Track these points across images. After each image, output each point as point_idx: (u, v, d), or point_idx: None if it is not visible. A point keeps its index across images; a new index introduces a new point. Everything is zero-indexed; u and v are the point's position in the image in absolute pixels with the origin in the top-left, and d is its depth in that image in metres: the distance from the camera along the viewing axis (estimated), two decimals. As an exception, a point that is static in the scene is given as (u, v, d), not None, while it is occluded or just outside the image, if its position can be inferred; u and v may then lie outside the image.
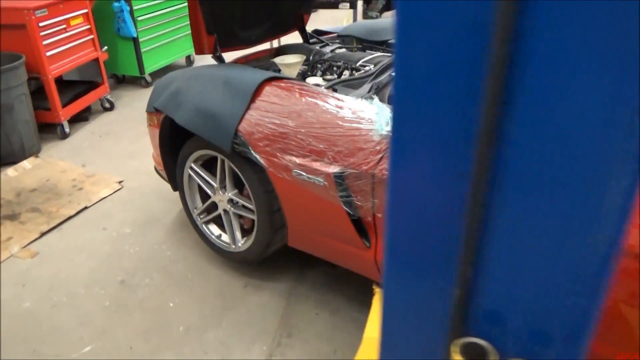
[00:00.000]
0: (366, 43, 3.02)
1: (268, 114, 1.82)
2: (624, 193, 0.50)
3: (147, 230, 2.68)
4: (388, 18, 3.34)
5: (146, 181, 3.14)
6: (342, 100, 1.75)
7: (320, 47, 2.79)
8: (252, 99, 1.87)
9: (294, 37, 3.04)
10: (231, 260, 2.36)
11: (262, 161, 1.84)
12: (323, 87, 2.00)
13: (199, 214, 2.38)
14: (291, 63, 2.23)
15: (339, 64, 2.46)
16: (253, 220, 2.07)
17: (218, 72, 2.05)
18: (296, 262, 2.35)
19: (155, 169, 2.67)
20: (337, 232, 1.81)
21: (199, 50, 2.50)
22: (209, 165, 2.27)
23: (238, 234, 2.21)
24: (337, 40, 3.12)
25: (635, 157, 0.48)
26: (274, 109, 1.82)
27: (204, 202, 2.36)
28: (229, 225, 2.24)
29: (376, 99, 1.71)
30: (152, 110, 2.26)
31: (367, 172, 1.60)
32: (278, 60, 2.32)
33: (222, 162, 2.11)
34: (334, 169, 1.68)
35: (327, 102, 1.75)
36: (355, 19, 4.86)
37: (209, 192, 2.27)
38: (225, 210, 2.22)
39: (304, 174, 1.74)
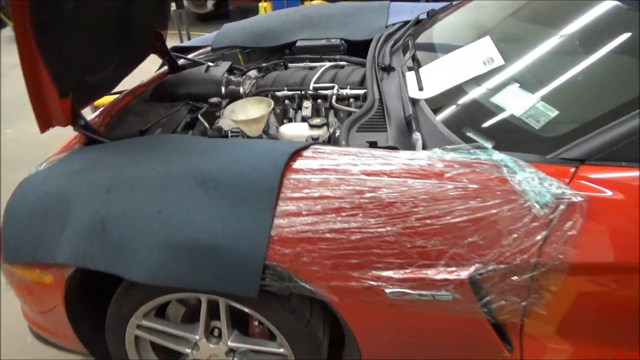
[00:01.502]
0: (260, 52, 2.31)
1: (317, 217, 1.08)
2: None
3: None
4: (266, 13, 2.63)
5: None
6: (435, 163, 1.12)
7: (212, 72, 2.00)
8: (277, 199, 1.09)
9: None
10: None
11: (326, 294, 1.11)
12: (340, 139, 1.32)
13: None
14: (257, 117, 1.43)
15: (288, 94, 1.74)
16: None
17: (170, 163, 1.17)
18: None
19: (39, 336, 1.57)
20: (459, 344, 1.23)
21: (46, 125, 1.50)
22: (162, 310, 1.38)
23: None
24: (212, 55, 2.32)
25: None
26: (325, 207, 1.08)
27: (168, 364, 1.46)
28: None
29: (490, 148, 1.13)
30: (30, 260, 1.23)
31: (525, 262, 1.05)
32: (230, 115, 1.49)
33: (211, 304, 1.27)
34: (466, 272, 1.07)
35: (415, 174, 1.10)
36: (184, 21, 3.91)
37: (178, 349, 1.39)
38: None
39: (410, 291, 1.09)
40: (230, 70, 2.14)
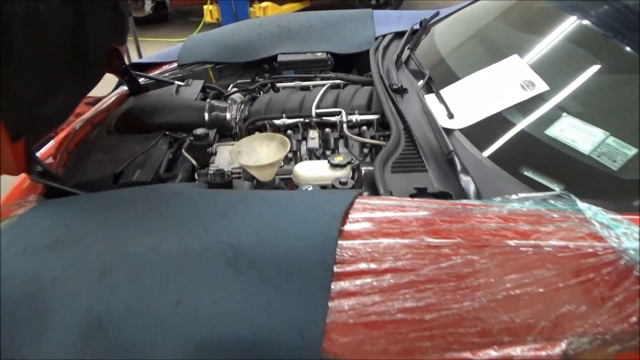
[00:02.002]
0: (234, 68, 2.05)
1: (383, 296, 0.87)
2: None
3: None
4: (235, 24, 2.35)
5: None
6: (513, 219, 0.93)
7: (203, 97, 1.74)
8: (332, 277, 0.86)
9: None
10: None
11: (395, 386, 0.90)
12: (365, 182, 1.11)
13: None
14: (271, 163, 1.17)
15: (289, 122, 1.51)
16: None
17: (184, 234, 0.91)
18: None
19: None
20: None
21: (-7, 173, 1.20)
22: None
23: None
24: (179, 73, 2.04)
25: None
26: (392, 282, 0.87)
27: None
28: None
29: (573, 197, 0.96)
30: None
31: (627, 330, 0.90)
32: (237, 158, 1.21)
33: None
34: (559, 347, 0.90)
35: (494, 234, 0.91)
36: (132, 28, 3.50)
37: None
38: None
39: (494, 374, 0.91)
40: (203, 90, 1.87)
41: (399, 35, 2.00)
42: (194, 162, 1.44)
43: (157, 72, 2.07)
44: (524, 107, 1.22)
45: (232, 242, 0.88)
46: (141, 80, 1.97)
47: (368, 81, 1.72)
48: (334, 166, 1.22)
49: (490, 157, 1.16)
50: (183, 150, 1.45)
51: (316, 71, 1.91)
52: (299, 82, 1.78)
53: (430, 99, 1.41)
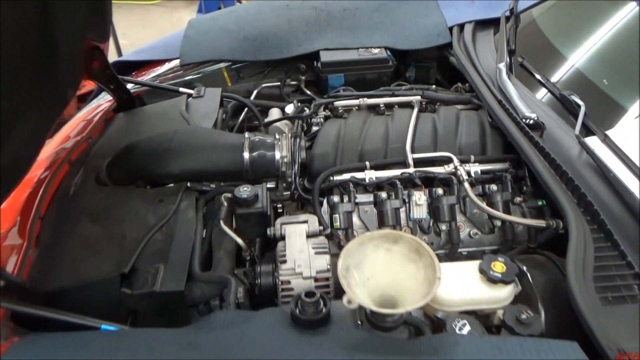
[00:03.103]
0: (257, 66, 1.54)
1: None
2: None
3: None
4: (256, 3, 1.76)
5: None
6: None
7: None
8: None
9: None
10: None
11: None
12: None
13: None
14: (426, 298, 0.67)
15: (379, 176, 1.03)
16: None
17: None
18: None
19: None
20: None
21: None
22: None
23: None
24: (183, 76, 1.51)
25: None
26: None
27: None
28: None
29: None
30: None
31: None
32: (347, 280, 0.69)
33: None
34: None
35: None
36: None
37: None
38: None
39: None
40: (221, 103, 1.34)
41: (480, 25, 1.51)
42: (240, 242, 0.94)
43: (153, 75, 1.51)
44: None
45: None
46: (131, 87, 1.42)
47: (465, 101, 1.24)
48: (493, 281, 0.76)
49: None
50: (222, 224, 0.94)
51: (379, 78, 1.41)
52: (364, 99, 1.26)
53: (596, 145, 0.94)
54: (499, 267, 0.76)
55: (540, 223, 0.91)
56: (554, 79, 1.16)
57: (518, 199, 0.99)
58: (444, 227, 0.99)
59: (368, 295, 0.72)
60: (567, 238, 0.80)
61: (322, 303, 0.72)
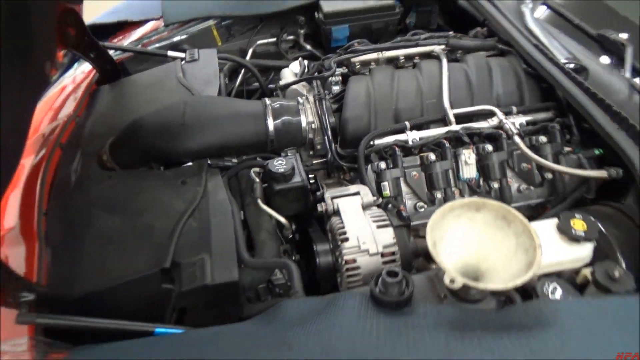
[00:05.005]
0: (248, 21, 1.40)
1: None
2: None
3: None
4: None
5: None
6: None
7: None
8: None
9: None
10: None
11: None
12: None
13: None
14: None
15: (424, 138, 0.95)
16: None
17: None
18: None
19: None
20: None
21: None
22: None
23: None
24: (169, 37, 1.36)
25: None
26: None
27: None
28: None
29: None
30: None
31: None
32: (438, 256, 0.62)
33: None
34: None
35: None
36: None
37: None
38: None
39: None
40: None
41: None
42: (284, 221, 0.85)
43: (130, 39, 1.34)
44: None
45: None
46: (113, 53, 1.25)
47: (490, 47, 1.15)
48: (576, 240, 0.71)
49: None
50: (260, 203, 0.85)
51: (385, 27, 1.30)
52: (382, 52, 1.15)
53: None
54: (579, 224, 0.71)
55: (602, 173, 0.87)
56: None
57: (567, 149, 0.94)
58: (495, 184, 0.93)
59: (453, 268, 0.66)
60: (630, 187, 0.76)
61: (404, 282, 0.65)
